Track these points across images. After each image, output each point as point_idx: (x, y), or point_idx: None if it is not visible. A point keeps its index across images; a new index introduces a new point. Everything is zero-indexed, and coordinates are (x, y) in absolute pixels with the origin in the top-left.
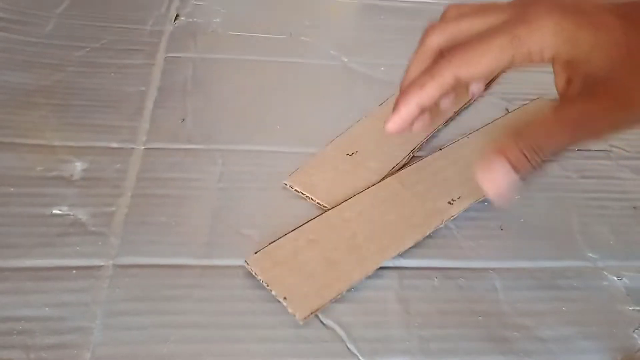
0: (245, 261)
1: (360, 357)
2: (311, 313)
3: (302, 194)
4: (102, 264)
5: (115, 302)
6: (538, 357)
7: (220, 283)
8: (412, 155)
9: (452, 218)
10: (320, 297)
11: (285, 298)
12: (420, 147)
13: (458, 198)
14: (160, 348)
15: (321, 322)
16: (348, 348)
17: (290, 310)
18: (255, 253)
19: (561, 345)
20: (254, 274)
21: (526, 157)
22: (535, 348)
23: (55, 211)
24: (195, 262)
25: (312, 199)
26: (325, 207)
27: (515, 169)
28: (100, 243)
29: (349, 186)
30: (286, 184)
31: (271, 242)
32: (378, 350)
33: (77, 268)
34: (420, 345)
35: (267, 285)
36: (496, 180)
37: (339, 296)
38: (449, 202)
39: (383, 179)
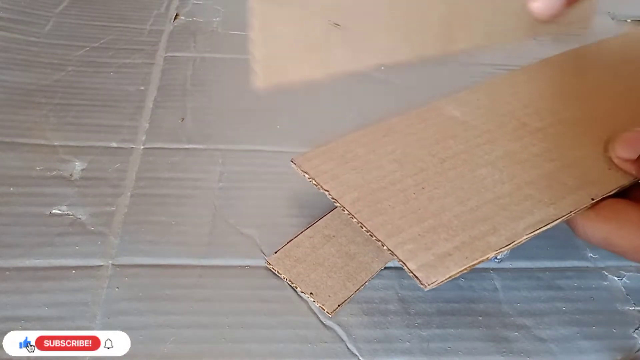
0: (267, 261)
1: (360, 358)
2: (339, 305)
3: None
4: (101, 263)
5: (115, 302)
6: (538, 357)
7: (220, 283)
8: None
9: None
10: (346, 288)
11: (311, 294)
12: None
13: None
14: (160, 348)
15: (321, 322)
16: (348, 348)
17: (318, 304)
18: (275, 253)
19: (561, 345)
20: (276, 273)
21: None
22: (535, 348)
23: (55, 211)
24: (195, 262)
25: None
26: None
27: None
28: (99, 243)
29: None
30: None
31: (289, 241)
32: (378, 351)
33: (76, 268)
34: (420, 345)
35: (292, 283)
36: None
37: (362, 287)
38: None
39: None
